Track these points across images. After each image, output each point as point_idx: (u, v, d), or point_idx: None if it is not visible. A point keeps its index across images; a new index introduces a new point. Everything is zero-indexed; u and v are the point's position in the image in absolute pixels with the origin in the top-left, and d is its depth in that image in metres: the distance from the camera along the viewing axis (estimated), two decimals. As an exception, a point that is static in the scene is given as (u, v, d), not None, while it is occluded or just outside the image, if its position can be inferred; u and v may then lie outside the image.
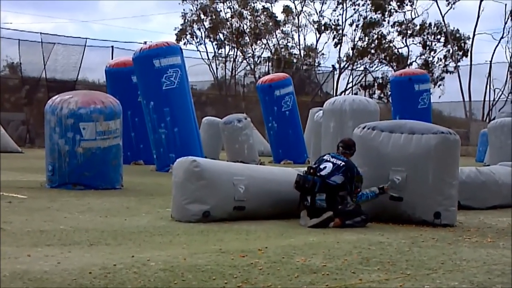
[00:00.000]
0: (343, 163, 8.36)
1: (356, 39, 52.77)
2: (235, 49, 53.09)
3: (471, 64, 50.06)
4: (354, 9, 52.23)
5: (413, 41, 52.72)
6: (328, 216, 8.10)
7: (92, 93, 13.30)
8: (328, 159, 8.49)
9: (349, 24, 52.60)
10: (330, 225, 8.11)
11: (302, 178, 8.32)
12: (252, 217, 8.38)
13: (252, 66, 51.93)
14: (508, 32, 49.95)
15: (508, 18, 49.62)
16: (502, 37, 49.83)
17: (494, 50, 50.31)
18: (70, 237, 6.79)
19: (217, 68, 50.51)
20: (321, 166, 8.39)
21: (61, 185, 11.91)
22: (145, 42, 23.18)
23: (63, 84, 32.16)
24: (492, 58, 49.35)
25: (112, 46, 36.22)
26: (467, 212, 10.07)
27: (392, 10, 51.88)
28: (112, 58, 31.45)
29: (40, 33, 34.98)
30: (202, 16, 53.31)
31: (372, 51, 52.94)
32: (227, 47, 53.67)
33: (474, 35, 50.54)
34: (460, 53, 52.01)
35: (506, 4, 49.48)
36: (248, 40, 53.74)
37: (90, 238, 6.72)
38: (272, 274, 5.25)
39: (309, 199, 8.25)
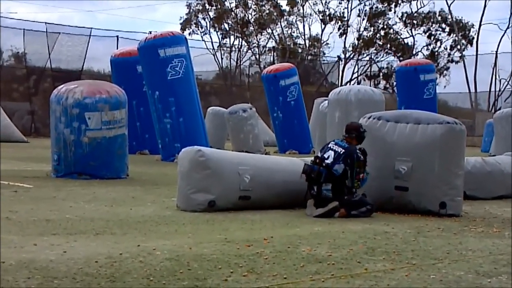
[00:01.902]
0: (343, 150, 8.34)
1: (362, 29, 52.67)
2: (240, 39, 53.02)
3: (477, 54, 49.93)
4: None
5: (417, 30, 52.55)
6: (334, 206, 8.11)
7: (98, 82, 13.30)
8: (331, 147, 8.48)
9: (357, 15, 52.49)
10: (335, 215, 8.11)
11: (308, 168, 8.32)
12: (258, 206, 8.39)
13: (257, 56, 51.86)
14: (514, 22, 49.80)
15: (514, 8, 49.42)
16: (508, 27, 49.70)
17: (500, 40, 50.19)
18: (75, 226, 6.80)
19: (222, 58, 50.51)
20: (325, 155, 8.38)
21: (67, 175, 11.92)
22: (150, 32, 23.19)
23: (68, 74, 32.14)
24: (498, 48, 49.22)
25: (117, 36, 36.18)
26: (472, 202, 10.06)
27: (398, 0, 51.70)
28: (117, 48, 31.39)
29: (45, 23, 34.99)
30: (207, 6, 53.23)
31: (378, 41, 52.80)
32: (232, 37, 53.65)
33: (480, 25, 50.42)
34: (465, 42, 51.84)
35: (512, -6, 49.27)
36: (253, 30, 53.64)
37: (96, 228, 6.73)
38: (277, 264, 5.25)
39: (316, 188, 8.25)
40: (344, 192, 8.25)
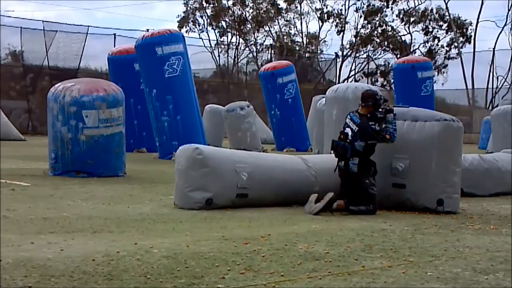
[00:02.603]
0: (357, 127, 8.38)
1: (359, 26, 52.67)
2: (238, 37, 53.01)
3: (474, 52, 49.98)
4: (357, -3, 52.10)
5: (414, 28, 52.56)
6: (330, 198, 8.12)
7: (95, 80, 13.29)
8: (348, 123, 8.54)
9: (354, 11, 52.52)
10: (333, 205, 8.13)
11: (335, 143, 8.44)
12: (255, 204, 8.39)
13: (255, 54, 51.84)
14: (512, 19, 49.86)
15: (511, 5, 49.49)
16: (505, 24, 49.92)
17: (498, 37, 50.49)
18: (73, 224, 6.80)
19: (219, 56, 50.46)
20: (345, 131, 8.45)
21: (64, 173, 11.92)
22: (148, 30, 23.14)
23: (65, 72, 32.13)
24: (495, 45, 49.33)
25: (115, 34, 36.18)
26: (470, 199, 10.07)
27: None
28: (114, 46, 31.34)
29: (43, 21, 35.00)
30: (204, 4, 53.19)
31: (375, 38, 52.81)
32: (229, 35, 53.62)
33: (477, 22, 50.47)
34: (463, 39, 51.86)
35: (509, -9, 49.31)
36: (250, 28, 53.62)
37: (93, 226, 6.73)
38: (275, 261, 5.25)
39: (343, 163, 8.37)
40: (369, 166, 8.34)
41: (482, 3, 49.97)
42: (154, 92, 17.13)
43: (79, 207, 8.13)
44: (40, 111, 30.43)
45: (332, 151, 8.58)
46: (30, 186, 10.19)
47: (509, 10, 49.61)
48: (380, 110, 8.38)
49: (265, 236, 6.33)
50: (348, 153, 8.32)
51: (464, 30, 51.78)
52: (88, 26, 35.62)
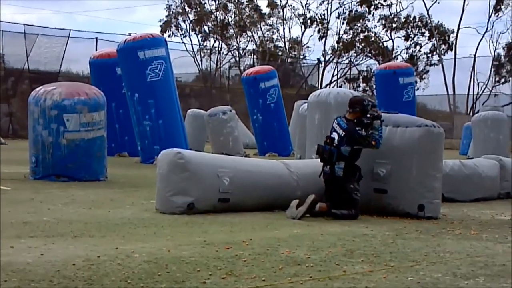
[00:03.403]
0: (343, 132, 8.40)
1: (341, 32, 52.86)
2: (220, 42, 53.00)
3: (455, 58, 50.35)
4: (339, 2, 52.31)
5: (396, 34, 52.84)
6: (312, 200, 8.13)
7: (76, 84, 13.23)
8: (335, 128, 8.55)
9: (335, 17, 52.71)
10: (316, 207, 8.14)
11: (320, 148, 8.45)
12: (237, 209, 8.38)
13: (237, 59, 51.86)
14: (492, 26, 50.33)
15: (492, 12, 49.96)
16: (486, 31, 50.29)
17: (478, 44, 50.72)
18: (53, 228, 6.75)
19: (202, 60, 50.47)
20: (332, 136, 8.47)
21: (45, 177, 11.84)
22: (130, 34, 23.06)
23: (46, 76, 31.94)
24: (476, 51, 49.74)
25: (96, 38, 36.07)
26: (450, 204, 10.13)
27: (377, 3, 51.93)
28: (96, 50, 31.26)
29: (24, 24, 34.78)
30: (187, 8, 53.15)
31: (357, 44, 53.03)
32: (212, 39, 53.62)
33: (458, 29, 50.86)
34: (445, 46, 52.22)
35: (490, -2, 49.77)
36: (233, 33, 53.65)
37: (74, 230, 6.69)
38: (256, 266, 5.25)
39: (329, 167, 8.38)
40: (355, 171, 8.35)
41: (463, 10, 50.40)
42: (136, 96, 17.08)
43: (59, 211, 8.08)
44: (21, 115, 30.22)
45: (317, 156, 8.60)
46: (10, 190, 10.12)
47: (490, 17, 50.09)
48: (368, 116, 8.41)
49: (247, 241, 6.33)
50: (334, 158, 8.34)
51: (446, 37, 52.12)
52: (70, 29, 35.52)
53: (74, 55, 35.96)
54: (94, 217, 7.67)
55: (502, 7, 49.80)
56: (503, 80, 50.04)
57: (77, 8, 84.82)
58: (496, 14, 50.12)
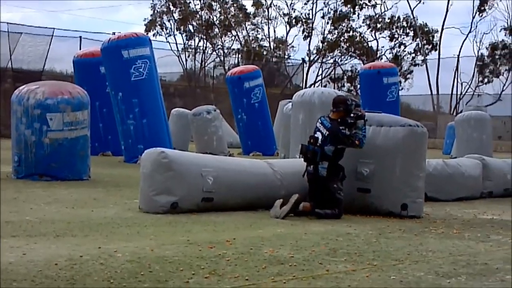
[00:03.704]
0: (327, 132, 8.40)
1: (326, 32, 52.93)
2: (205, 41, 52.93)
3: (439, 58, 50.58)
4: (324, 2, 52.39)
5: (381, 34, 53.01)
6: (296, 199, 8.15)
7: (60, 83, 13.15)
8: (318, 127, 8.55)
9: (320, 17, 52.82)
10: (300, 207, 8.15)
11: (304, 147, 8.47)
12: (221, 208, 8.37)
13: (222, 58, 51.81)
14: (476, 26, 50.61)
15: (476, 13, 50.23)
16: (470, 31, 50.45)
17: (462, 44, 50.91)
18: (36, 228, 6.72)
19: (186, 60, 50.34)
20: (316, 135, 8.46)
21: (28, 176, 11.77)
22: (114, 33, 22.99)
23: (30, 75, 31.72)
24: (460, 52, 49.96)
25: (80, 37, 35.86)
26: (433, 204, 10.18)
27: (362, 3, 52.06)
28: (80, 49, 31.07)
29: (7, 23, 34.52)
30: (172, 8, 53.03)
31: (342, 44, 53.13)
32: (196, 39, 53.51)
33: (442, 29, 51.07)
34: (429, 47, 52.44)
35: (474, -1, 50.06)
36: (217, 32, 53.60)
37: (57, 230, 6.66)
38: (239, 265, 5.25)
39: (312, 167, 8.38)
40: (338, 171, 8.36)
41: (447, 10, 50.64)
42: (120, 95, 17.02)
43: (42, 210, 8.04)
44: (4, 114, 29.99)
45: (301, 155, 8.59)
46: (-8, 190, 10.05)
47: (473, 18, 50.35)
48: (352, 115, 8.43)
49: (230, 240, 6.32)
50: (317, 157, 8.35)
51: (430, 37, 52.34)
52: (54, 28, 35.29)
53: (57, 54, 35.77)
54: (77, 216, 7.64)
55: (486, 7, 50.09)
56: (486, 80, 50.33)
57: (61, 6, 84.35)
58: (480, 14, 50.42)
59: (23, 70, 33.88)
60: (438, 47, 51.31)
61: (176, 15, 53.19)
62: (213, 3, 53.13)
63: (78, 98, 12.15)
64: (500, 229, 7.98)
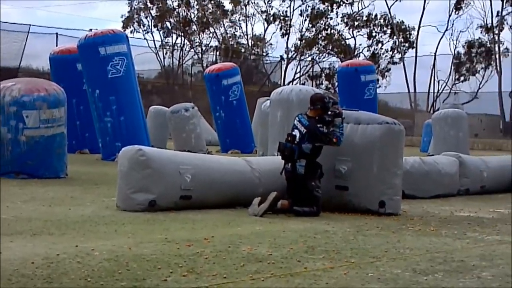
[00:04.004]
0: (305, 130, 8.42)
1: (304, 29, 53.04)
2: (183, 38, 52.81)
3: (416, 56, 50.92)
4: (302, 0, 52.47)
5: (359, 32, 53.23)
6: (274, 197, 8.15)
7: (36, 80, 13.05)
8: (296, 125, 8.57)
9: (299, 14, 52.90)
10: (278, 205, 8.16)
11: (282, 145, 8.49)
12: (199, 206, 8.35)
13: (200, 55, 51.73)
14: (452, 24, 51.04)
15: (452, 11, 50.62)
16: (446, 30, 50.95)
17: (439, 42, 51.46)
18: (12, 226, 6.66)
19: (164, 57, 50.23)
20: (293, 133, 8.47)
21: (4, 174, 11.65)
22: (91, 30, 22.83)
23: (5, 72, 31.41)
24: (436, 50, 50.43)
25: (57, 33, 35.59)
26: (411, 201, 10.23)
27: (340, 1, 52.22)
28: (56, 45, 30.83)
29: (-18, 19, 34.17)
30: (149, 4, 52.84)
31: (320, 42, 53.26)
32: (174, 36, 53.40)
33: (419, 27, 51.43)
34: (406, 44, 52.76)
35: (450, -3, 50.41)
36: (195, 29, 53.49)
37: (33, 228, 6.60)
38: (217, 263, 5.24)
39: (290, 165, 8.40)
40: (316, 169, 8.38)
41: (424, 8, 50.96)
42: (97, 92, 16.91)
43: (18, 209, 7.97)
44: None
45: (278, 153, 8.61)
46: (-33, 188, 9.94)
47: (450, 16, 50.73)
48: (329, 113, 8.44)
49: (208, 238, 6.31)
50: (295, 155, 8.36)
51: (407, 35, 52.64)
52: (30, 25, 34.99)
53: (34, 50, 35.47)
54: (54, 214, 7.59)
55: (463, 5, 50.47)
56: (463, 78, 50.77)
57: (37, 3, 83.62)
58: (457, 12, 50.81)
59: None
60: (415, 45, 51.65)
61: (153, 12, 53.04)
62: (190, 0, 53.00)
63: (55, 95, 12.06)
64: (477, 226, 8.05)
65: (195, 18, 53.38)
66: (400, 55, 52.02)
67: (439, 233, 7.38)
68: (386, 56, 53.67)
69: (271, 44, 55.97)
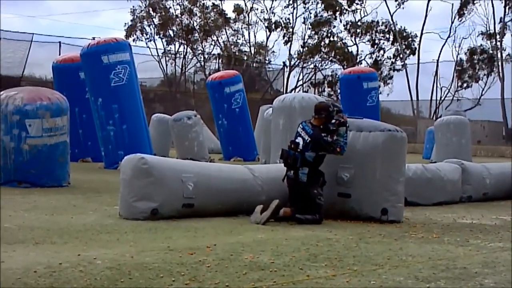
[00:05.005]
0: (309, 138, 8.42)
1: (306, 37, 53.10)
2: (185, 46, 52.89)
3: (418, 63, 50.92)
4: (304, 7, 52.56)
5: (361, 39, 53.25)
6: (276, 205, 8.15)
7: (39, 89, 13.07)
8: (300, 133, 8.56)
9: (302, 22, 53.01)
10: (280, 212, 8.16)
11: (285, 152, 8.48)
12: (201, 214, 8.35)
13: (202, 63, 51.79)
14: (455, 31, 51.03)
15: (454, 18, 50.64)
16: (449, 36, 50.88)
17: (441, 49, 51.33)
18: (15, 235, 6.67)
19: (166, 65, 50.28)
20: (297, 141, 8.47)
21: (6, 183, 11.67)
22: (94, 38, 22.87)
23: (8, 80, 31.49)
24: (439, 56, 50.40)
25: (60, 42, 35.68)
26: (413, 208, 10.22)
27: (343, 8, 52.29)
28: (59, 54, 30.93)
29: (-15, 28, 34.28)
30: (152, 13, 52.95)
31: (322, 49, 53.31)
32: (177, 44, 53.47)
33: (421, 34, 51.44)
34: (408, 51, 52.76)
35: (453, 4, 50.49)
36: (198, 37, 53.58)
37: (36, 237, 6.61)
38: (220, 272, 5.24)
39: (293, 173, 8.40)
40: (318, 176, 8.37)
41: (426, 15, 51.00)
42: (100, 101, 16.95)
43: (21, 217, 7.98)
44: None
45: (281, 160, 8.61)
46: (-30, 197, 9.96)
47: (452, 23, 50.76)
48: (333, 122, 8.45)
49: (211, 246, 6.31)
50: (298, 163, 8.37)
51: (410, 42, 52.65)
52: (33, 33, 35.08)
53: (37, 59, 35.56)
54: (56, 223, 7.59)
55: (465, 12, 50.51)
56: (465, 85, 50.76)
57: (40, 12, 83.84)
58: (459, 19, 50.84)
59: (1, 76, 33.63)
60: (417, 52, 51.67)
61: (156, 20, 53.13)
62: (193, 8, 53.10)
63: (57, 103, 12.09)
64: (479, 233, 8.04)
65: (198, 26, 53.46)
66: (402, 62, 52.03)
67: (441, 240, 7.37)
68: (388, 63, 53.71)
69: (273, 51, 56.08)
